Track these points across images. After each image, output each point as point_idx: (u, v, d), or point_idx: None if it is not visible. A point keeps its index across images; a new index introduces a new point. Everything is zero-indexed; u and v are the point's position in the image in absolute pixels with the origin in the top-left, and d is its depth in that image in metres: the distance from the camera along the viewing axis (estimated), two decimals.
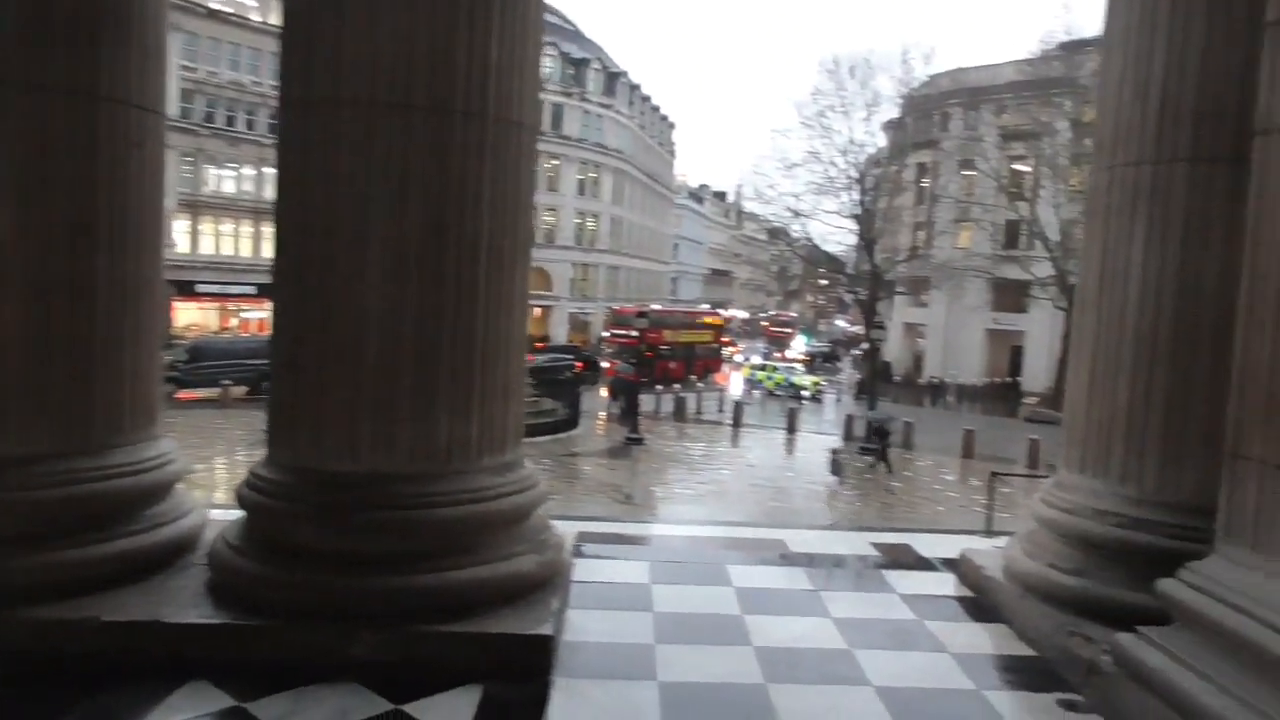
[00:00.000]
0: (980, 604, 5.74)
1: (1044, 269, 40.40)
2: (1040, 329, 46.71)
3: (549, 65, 61.78)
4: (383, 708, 4.01)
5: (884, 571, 6.41)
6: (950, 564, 6.47)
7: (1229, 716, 3.52)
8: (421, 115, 4.52)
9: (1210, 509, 4.32)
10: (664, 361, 46.65)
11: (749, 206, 73.56)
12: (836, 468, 19.11)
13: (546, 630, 4.50)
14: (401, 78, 4.46)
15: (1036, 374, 46.73)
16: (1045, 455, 27.16)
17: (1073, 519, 5.20)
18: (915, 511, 21.58)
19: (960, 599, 5.88)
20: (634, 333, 34.48)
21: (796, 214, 46.35)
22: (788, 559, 6.65)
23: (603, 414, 33.83)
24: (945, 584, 6.17)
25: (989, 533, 14.24)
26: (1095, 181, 5.41)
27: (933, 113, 50.72)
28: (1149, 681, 4.03)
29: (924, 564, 6.68)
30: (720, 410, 37.21)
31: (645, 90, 79.55)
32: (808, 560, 6.61)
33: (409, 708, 4.03)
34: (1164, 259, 4.92)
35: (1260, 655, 3.53)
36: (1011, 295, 47.13)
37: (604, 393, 36.24)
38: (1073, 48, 43.28)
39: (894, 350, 54.99)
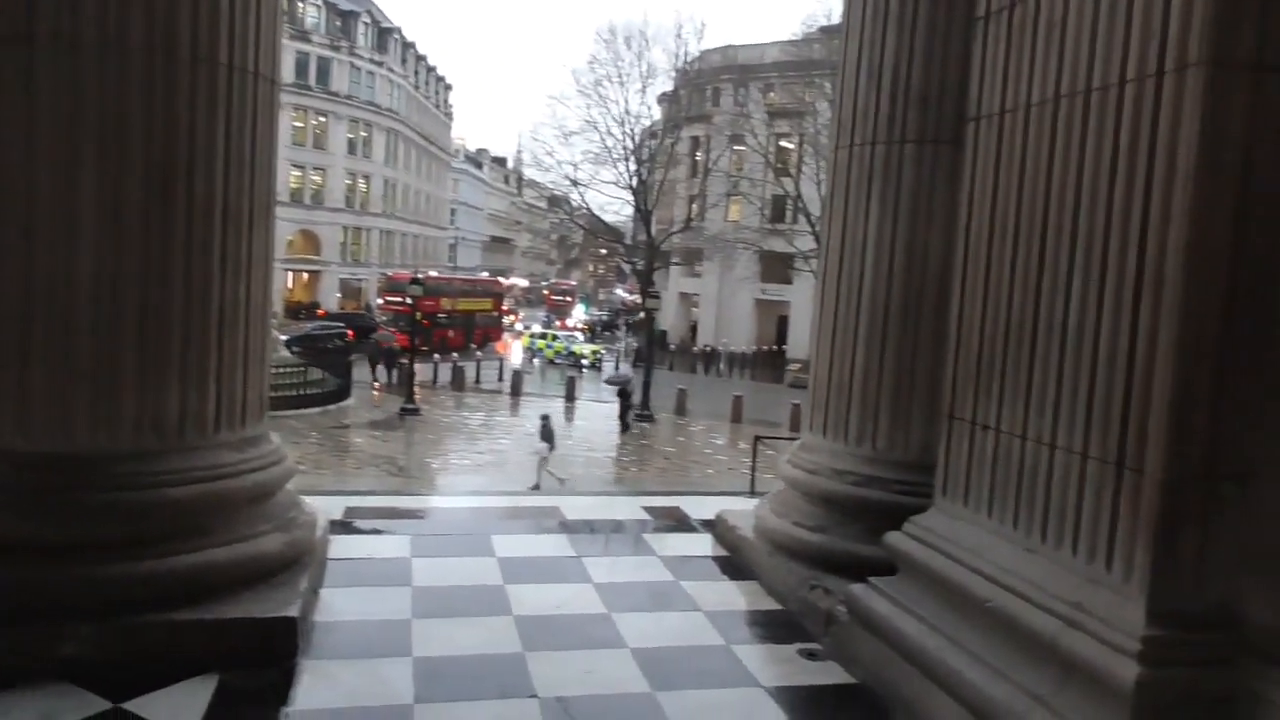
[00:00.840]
0: (734, 562, 6.01)
1: (807, 242, 42.85)
2: (804, 299, 49.53)
3: (314, 15, 58.34)
4: (98, 707, 3.65)
5: (646, 535, 6.57)
6: (709, 525, 6.73)
7: (942, 656, 3.87)
8: (140, 58, 4.08)
9: (933, 466, 4.72)
10: (442, 330, 45.67)
11: (529, 173, 72.93)
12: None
13: (292, 612, 4.26)
14: (114, 13, 3.99)
15: (801, 342, 49.63)
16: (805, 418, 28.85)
17: (815, 479, 5.53)
18: (687, 475, 22.45)
19: (716, 558, 6.13)
20: (409, 300, 33.34)
21: (575, 183, 46.58)
22: (554, 527, 6.67)
23: (377, 384, 32.71)
24: (703, 544, 6.41)
25: (752, 493, 14.90)
26: (836, 159, 5.73)
27: (705, 87, 52.32)
28: (877, 628, 4.36)
29: (686, 526, 6.91)
30: (500, 379, 36.98)
31: (420, 49, 76.79)
32: (575, 527, 6.66)
33: (133, 705, 3.69)
34: (894, 233, 5.28)
35: (968, 598, 3.89)
36: (778, 267, 49.71)
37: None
38: (831, 32, 45.84)
39: (670, 319, 56.67)
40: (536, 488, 16.81)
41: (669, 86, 48.89)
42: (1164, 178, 3.15)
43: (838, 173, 5.68)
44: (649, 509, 7.42)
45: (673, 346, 53.08)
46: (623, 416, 27.42)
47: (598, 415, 29.97)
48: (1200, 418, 3.14)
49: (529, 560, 5.81)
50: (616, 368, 45.24)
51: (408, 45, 72.22)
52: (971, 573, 3.93)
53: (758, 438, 16.32)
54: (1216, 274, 3.10)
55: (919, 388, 5.23)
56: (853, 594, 4.63)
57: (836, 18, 42.81)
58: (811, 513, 5.53)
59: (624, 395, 27.90)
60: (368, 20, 64.10)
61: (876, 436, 5.37)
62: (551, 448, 18.67)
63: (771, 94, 50.42)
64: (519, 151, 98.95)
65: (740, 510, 6.55)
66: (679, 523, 7.01)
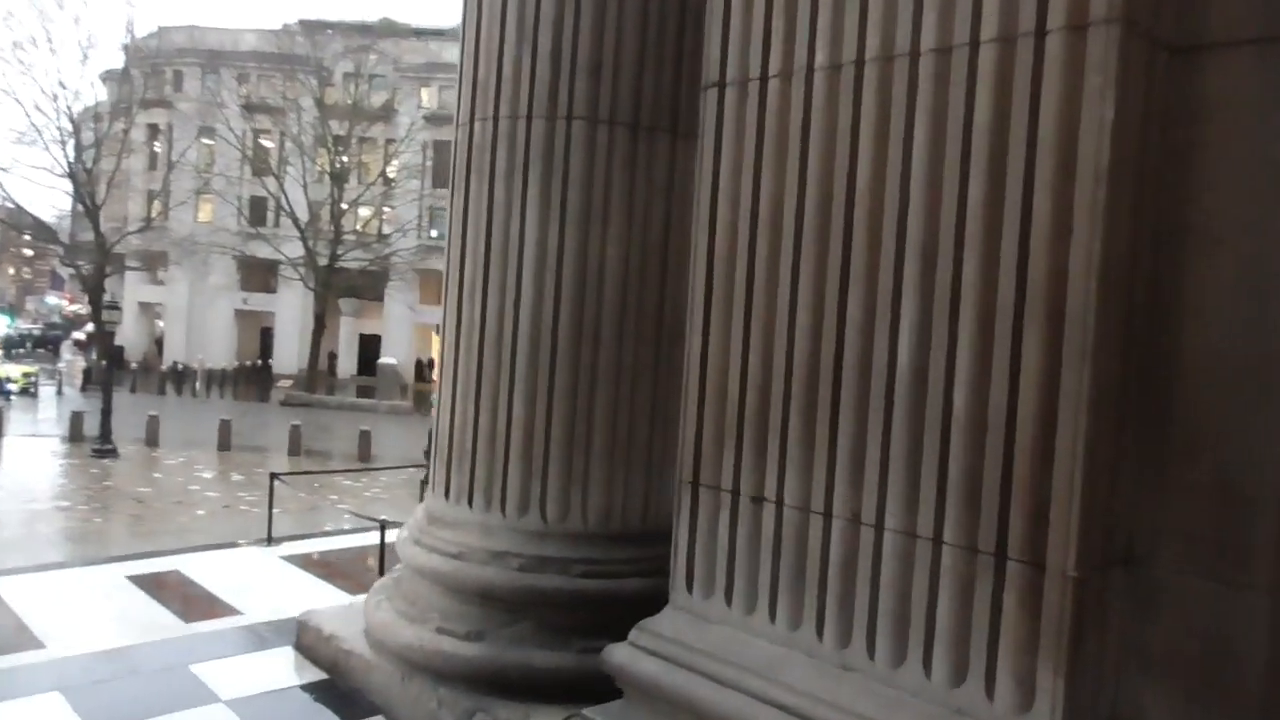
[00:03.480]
0: (340, 691, 4.28)
1: (295, 248, 39.60)
2: (291, 310, 46.03)
3: None
4: None
5: (198, 668, 4.48)
6: (271, 627, 4.87)
7: None
8: None
9: (621, 536, 3.60)
10: None
11: None
12: None
13: None
14: None
15: (289, 356, 45.96)
16: (307, 441, 26.59)
17: (463, 566, 4.06)
18: (170, 521, 18.73)
19: (310, 687, 4.33)
20: None
21: None
22: (38, 685, 4.27)
23: None
24: (282, 665, 4.55)
25: (271, 539, 12.82)
26: (472, 135, 4.32)
27: (165, 69, 45.83)
28: None
29: (249, 636, 4.95)
30: None
31: None
32: (79, 680, 4.33)
33: None
34: (562, 236, 4.06)
35: None
36: (261, 274, 45.46)
37: None
38: (314, 27, 43.19)
39: (129, 333, 48.65)
40: None
41: (118, 63, 41.87)
42: (1057, 174, 2.36)
43: (475, 153, 4.27)
44: (137, 579, 5.34)
45: (134, 365, 45.52)
46: None
47: (37, 454, 24.20)
48: (1102, 489, 2.40)
49: None
50: (60, 394, 37.32)
51: None
52: (757, 703, 2.84)
53: (274, 475, 13.99)
54: (1120, 301, 2.39)
55: (599, 436, 4.07)
56: None
57: (320, 14, 40.43)
58: (462, 613, 4.05)
59: None
60: None
61: (546, 503, 4.08)
62: None
63: (247, 85, 45.84)
64: None
65: (334, 611, 4.80)
66: (212, 609, 5.04)
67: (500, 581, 3.96)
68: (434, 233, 49.04)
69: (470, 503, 4.19)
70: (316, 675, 4.43)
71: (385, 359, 44.13)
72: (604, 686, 3.72)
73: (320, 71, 41.40)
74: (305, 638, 4.66)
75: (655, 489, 4.15)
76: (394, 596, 4.36)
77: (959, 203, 2.53)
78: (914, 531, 2.61)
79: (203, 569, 5.46)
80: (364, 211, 44.01)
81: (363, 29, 43.91)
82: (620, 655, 3.26)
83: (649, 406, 4.14)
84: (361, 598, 4.92)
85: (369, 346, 47.80)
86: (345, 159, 41.25)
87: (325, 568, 12.75)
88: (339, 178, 40.55)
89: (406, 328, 47.30)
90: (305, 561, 12.82)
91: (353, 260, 40.03)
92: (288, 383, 40.33)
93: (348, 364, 48.71)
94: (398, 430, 30.78)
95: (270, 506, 13.31)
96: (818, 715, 2.70)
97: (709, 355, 3.18)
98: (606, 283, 4.05)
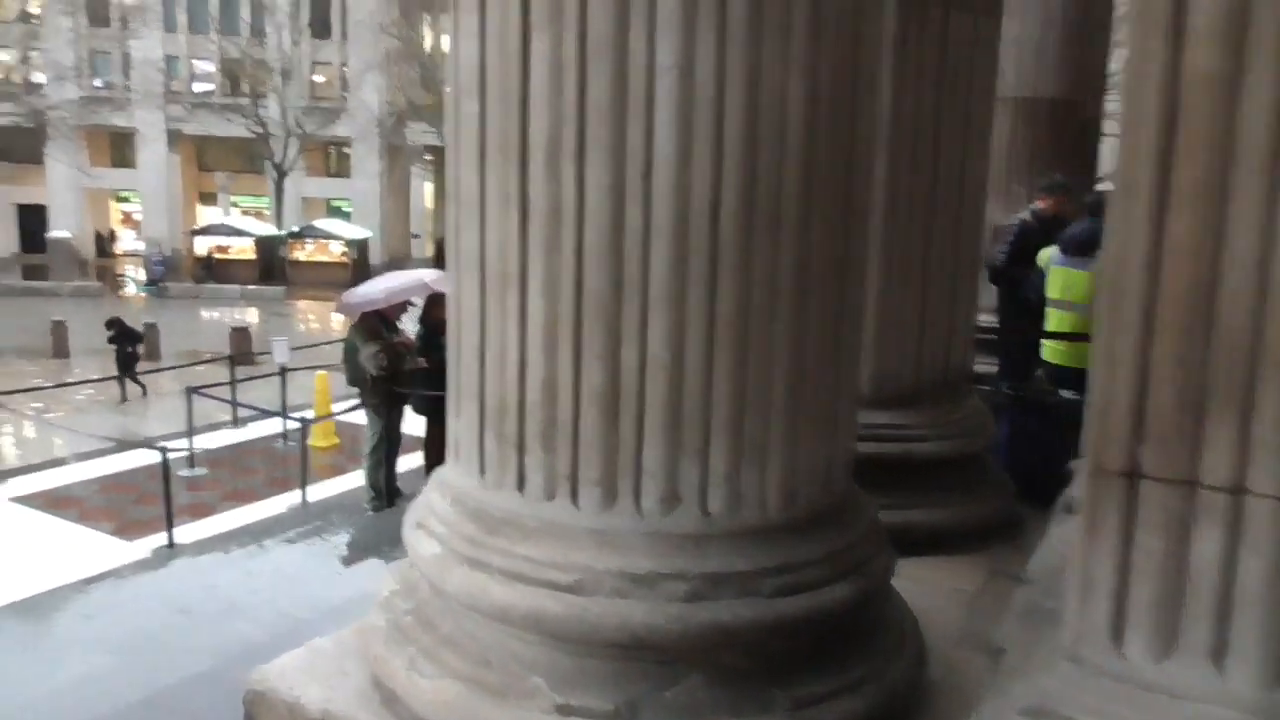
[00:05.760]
0: None
1: None
2: None
3: None
4: None
5: None
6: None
7: None
8: None
9: (810, 521, 2.39)
10: None
11: None
12: None
13: None
14: None
15: None
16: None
17: (589, 604, 2.52)
18: None
19: None
20: None
21: None
22: None
23: None
24: None
25: None
26: None
27: None
28: None
29: None
30: None
31: None
32: None
33: None
34: (721, 60, 2.44)
35: None
36: None
37: None
38: None
39: None
40: None
41: None
42: None
43: None
44: None
45: None
46: None
47: None
48: None
49: None
50: None
51: None
52: None
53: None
54: None
55: (780, 379, 2.61)
56: None
57: None
58: (584, 674, 2.55)
59: None
60: None
61: (708, 490, 2.59)
62: None
63: None
64: None
65: (301, 662, 3.04)
66: None
67: (659, 622, 2.49)
68: (98, 81, 41.43)
69: (575, 498, 2.62)
70: None
71: (56, 232, 37.60)
72: None
73: None
74: (267, 717, 2.94)
75: (836, 449, 2.84)
76: (437, 647, 2.73)
77: None
78: None
79: None
80: (3, 56, 35.96)
81: None
82: None
83: (832, 329, 2.75)
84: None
85: (31, 218, 40.28)
86: None
87: (76, 506, 10.22)
88: None
89: (76, 195, 40.27)
90: (46, 501, 10.20)
91: None
92: None
93: (5, 240, 40.95)
94: (91, 316, 26.22)
95: None
96: None
97: (1167, 249, 1.84)
98: (789, 135, 2.52)
